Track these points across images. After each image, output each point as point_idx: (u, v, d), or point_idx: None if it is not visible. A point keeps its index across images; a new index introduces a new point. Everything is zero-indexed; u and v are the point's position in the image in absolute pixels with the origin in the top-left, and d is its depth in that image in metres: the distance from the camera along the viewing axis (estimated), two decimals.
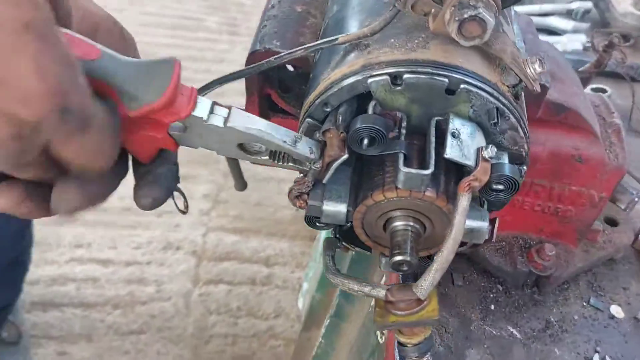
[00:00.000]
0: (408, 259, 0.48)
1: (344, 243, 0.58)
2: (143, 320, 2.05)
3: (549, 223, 0.78)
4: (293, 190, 0.52)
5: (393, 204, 0.50)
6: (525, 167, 0.53)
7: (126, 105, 0.46)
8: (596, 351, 0.73)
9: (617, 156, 0.72)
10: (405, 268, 0.49)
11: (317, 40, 0.71)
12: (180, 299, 2.13)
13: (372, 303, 0.94)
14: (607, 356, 0.72)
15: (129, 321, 2.05)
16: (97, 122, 0.40)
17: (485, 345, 0.72)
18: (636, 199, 0.87)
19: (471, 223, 0.50)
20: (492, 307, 0.76)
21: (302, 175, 0.54)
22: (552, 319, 0.76)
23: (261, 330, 2.05)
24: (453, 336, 0.71)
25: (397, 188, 0.49)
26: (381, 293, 0.48)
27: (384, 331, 0.84)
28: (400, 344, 0.51)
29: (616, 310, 0.78)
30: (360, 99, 0.53)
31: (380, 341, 0.84)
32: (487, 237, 0.51)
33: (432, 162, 0.48)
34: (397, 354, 0.63)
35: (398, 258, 0.49)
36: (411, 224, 0.51)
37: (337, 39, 0.54)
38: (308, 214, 0.54)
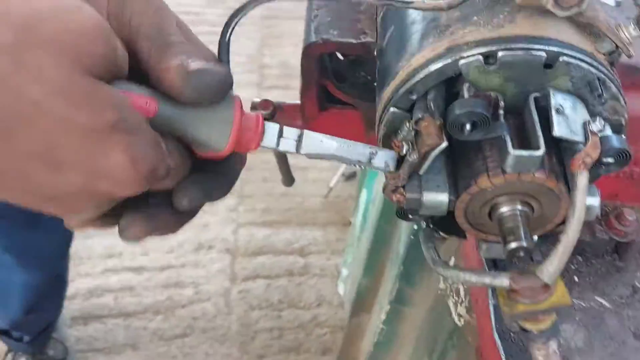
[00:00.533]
0: (524, 244, 0.47)
1: (440, 233, 0.56)
2: (186, 324, 2.06)
3: (625, 187, 0.76)
4: (389, 185, 0.50)
5: (499, 189, 0.48)
6: (624, 136, 0.51)
7: (192, 147, 0.45)
8: None
9: None
10: (521, 254, 0.47)
11: (374, 25, 0.69)
12: (219, 298, 2.13)
13: (441, 286, 0.93)
14: None
15: (172, 325, 2.05)
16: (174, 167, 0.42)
17: (577, 318, 0.70)
18: None
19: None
20: (576, 278, 0.74)
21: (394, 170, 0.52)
22: (638, 284, 0.75)
23: (305, 320, 2.05)
24: None
25: (504, 173, 0.47)
26: (505, 282, 0.46)
27: (462, 314, 0.83)
28: (523, 330, 0.49)
29: None
30: (448, 83, 0.51)
31: (459, 324, 0.83)
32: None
33: (541, 141, 0.45)
34: (497, 338, 0.62)
35: (514, 245, 0.47)
36: (519, 207, 0.49)
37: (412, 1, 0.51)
38: (406, 207, 0.52)
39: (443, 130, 0.48)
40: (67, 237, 1.62)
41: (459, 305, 0.84)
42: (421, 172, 0.50)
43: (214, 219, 2.37)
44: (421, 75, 0.50)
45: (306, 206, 2.42)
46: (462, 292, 0.83)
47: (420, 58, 0.51)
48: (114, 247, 2.30)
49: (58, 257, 1.61)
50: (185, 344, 2.00)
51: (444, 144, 0.48)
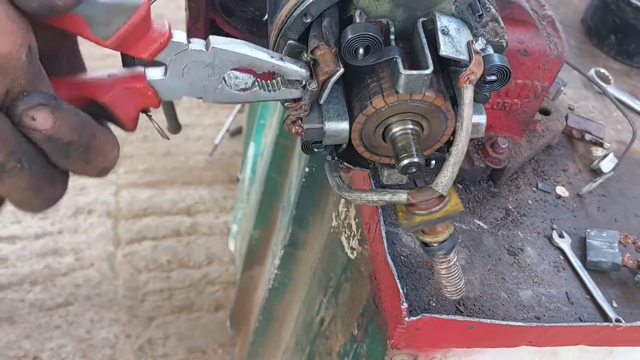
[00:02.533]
0: (416, 160, 0.49)
1: (344, 163, 0.57)
2: (68, 292, 1.95)
3: (498, 118, 0.82)
4: (290, 115, 0.50)
5: (392, 109, 0.50)
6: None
7: (100, 35, 0.42)
8: (553, 228, 0.80)
9: (557, 45, 0.76)
10: (413, 169, 0.49)
11: None
12: (103, 263, 2.03)
13: (333, 224, 0.95)
14: (562, 231, 0.79)
15: (53, 295, 1.93)
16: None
17: (460, 240, 0.76)
18: (562, 88, 0.94)
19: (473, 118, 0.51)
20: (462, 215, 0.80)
21: (293, 101, 0.51)
22: (510, 207, 0.82)
23: (196, 279, 2.03)
24: None
25: (397, 92, 0.48)
26: (403, 197, 0.48)
27: (354, 247, 0.86)
28: (425, 244, 0.52)
29: (561, 191, 0.86)
30: (341, 11, 0.51)
31: (352, 257, 0.86)
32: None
33: (429, 61, 0.48)
34: (389, 260, 0.65)
35: (406, 161, 0.49)
36: (410, 126, 0.51)
37: None
38: (307, 139, 0.52)
39: (339, 57, 0.49)
40: None
41: (351, 239, 0.87)
42: (321, 101, 0.51)
43: (92, 182, 2.24)
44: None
45: (191, 165, 2.36)
46: (354, 226, 0.86)
47: None
48: None
49: None
50: (69, 312, 1.90)
51: (341, 70, 0.49)
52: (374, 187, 0.70)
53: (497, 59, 0.50)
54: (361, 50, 0.47)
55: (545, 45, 0.75)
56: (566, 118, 0.93)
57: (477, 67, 0.48)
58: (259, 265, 1.64)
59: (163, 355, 1.85)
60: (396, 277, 0.64)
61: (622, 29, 1.08)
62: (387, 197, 0.49)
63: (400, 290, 0.63)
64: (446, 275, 0.54)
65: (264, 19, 0.65)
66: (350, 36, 0.47)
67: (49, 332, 1.85)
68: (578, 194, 0.85)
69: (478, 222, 0.79)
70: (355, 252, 0.86)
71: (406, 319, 0.62)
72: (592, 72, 1.05)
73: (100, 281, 1.99)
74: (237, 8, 0.73)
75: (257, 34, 0.72)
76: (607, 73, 1.05)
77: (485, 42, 0.49)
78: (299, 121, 0.51)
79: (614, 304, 0.74)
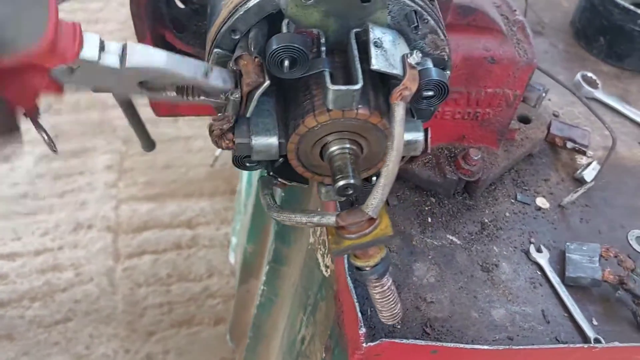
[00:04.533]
0: (352, 181, 0.46)
1: (279, 179, 0.55)
2: (67, 308, 1.94)
3: (471, 129, 0.79)
4: (214, 129, 0.48)
5: (327, 128, 0.48)
6: (449, 72, 0.52)
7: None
8: (531, 242, 0.76)
9: (527, 52, 0.73)
10: (350, 191, 0.47)
11: None
12: (102, 278, 2.02)
13: (310, 240, 0.93)
14: (541, 245, 0.76)
15: (52, 312, 1.93)
16: None
17: (430, 256, 0.72)
18: (543, 94, 0.90)
19: (407, 135, 0.48)
20: (429, 219, 0.77)
21: (220, 113, 0.49)
22: (486, 220, 0.78)
23: (196, 292, 2.01)
24: (398, 254, 0.71)
25: (328, 110, 0.46)
26: (331, 220, 0.46)
27: (328, 264, 0.83)
28: (358, 269, 0.49)
29: (542, 202, 0.82)
30: (271, 22, 0.49)
31: (326, 275, 0.83)
32: (423, 148, 0.50)
33: (359, 75, 0.45)
34: (349, 281, 0.62)
35: (342, 182, 0.46)
36: (348, 145, 0.48)
37: None
38: (236, 154, 0.50)
39: (265, 69, 0.46)
40: None
41: (325, 256, 0.84)
42: (248, 114, 0.48)
43: (92, 196, 2.23)
44: (241, 11, 0.48)
45: (191, 177, 2.35)
46: (327, 243, 0.83)
47: None
48: None
49: None
50: (67, 329, 1.89)
51: (266, 83, 0.46)
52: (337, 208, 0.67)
53: (433, 73, 0.47)
54: (287, 62, 0.45)
55: (513, 52, 0.71)
56: (549, 126, 0.89)
57: (411, 82, 0.45)
58: (255, 279, 1.61)
59: None
60: (355, 299, 0.61)
61: (610, 31, 1.04)
62: (316, 219, 0.46)
63: (359, 314, 0.60)
64: (380, 300, 0.51)
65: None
66: (274, 47, 0.45)
67: (47, 348, 1.84)
68: (560, 205, 0.82)
69: (451, 237, 0.75)
70: (329, 270, 0.83)
71: (364, 344, 0.59)
72: (578, 77, 1.01)
73: (99, 296, 1.98)
74: (191, 22, 0.71)
75: None
76: (594, 77, 1.01)
77: (421, 55, 0.46)
78: (229, 135, 0.48)
79: (594, 322, 0.70)
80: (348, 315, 0.66)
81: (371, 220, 0.45)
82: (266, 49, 0.45)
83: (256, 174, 1.64)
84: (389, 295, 0.51)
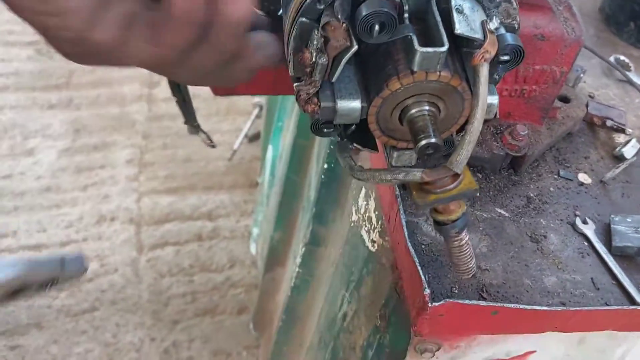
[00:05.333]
0: (433, 140, 0.49)
1: (354, 144, 0.57)
2: (94, 297, 1.97)
3: (517, 106, 0.81)
4: (302, 93, 0.51)
5: (407, 91, 0.50)
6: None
7: None
8: (576, 215, 0.79)
9: (574, 29, 0.75)
10: (431, 151, 0.49)
11: None
12: (127, 268, 2.06)
13: (353, 218, 0.95)
14: (586, 217, 0.78)
15: (79, 301, 1.96)
16: None
17: (480, 228, 0.75)
18: (581, 75, 0.93)
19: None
20: (478, 193, 0.79)
21: (306, 76, 0.52)
22: (532, 194, 0.81)
23: (218, 282, 2.04)
24: None
25: (412, 73, 0.48)
26: (417, 175, 0.48)
27: (375, 239, 0.86)
28: (438, 223, 0.52)
29: (583, 178, 0.84)
30: None
31: (373, 250, 0.86)
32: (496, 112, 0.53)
33: (444, 38, 0.48)
34: (411, 248, 0.65)
35: (424, 142, 0.49)
36: (427, 107, 0.51)
37: None
38: (319, 118, 0.52)
39: (352, 34, 0.49)
40: None
41: (371, 232, 0.87)
42: (333, 79, 0.51)
43: (115, 189, 2.27)
44: None
45: (211, 170, 2.38)
46: (374, 219, 0.86)
47: None
48: (6, 225, 2.14)
49: None
50: (94, 317, 1.92)
51: (355, 47, 0.49)
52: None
53: (510, 39, 0.49)
54: (377, 27, 0.47)
55: (562, 30, 0.74)
56: (587, 105, 0.92)
57: (491, 46, 0.48)
58: (280, 267, 1.64)
59: (188, 358, 1.86)
60: (417, 265, 0.64)
61: None
62: (401, 175, 0.49)
63: (422, 277, 0.63)
64: (457, 254, 0.54)
65: (279, 13, 0.65)
66: (365, 12, 0.47)
67: (75, 337, 1.87)
68: (601, 181, 0.84)
69: (499, 210, 0.78)
70: (376, 245, 0.86)
71: (429, 304, 0.62)
72: (612, 59, 1.04)
73: (125, 286, 2.01)
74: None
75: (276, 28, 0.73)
76: (627, 60, 1.04)
77: (498, 22, 0.49)
78: (315, 99, 0.51)
79: None
80: (408, 281, 0.69)
81: (455, 175, 0.48)
82: (356, 16, 0.48)
83: (279, 167, 1.67)
84: (466, 249, 0.54)
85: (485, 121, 0.55)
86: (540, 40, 0.74)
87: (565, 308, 0.66)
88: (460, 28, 0.48)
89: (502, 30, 0.52)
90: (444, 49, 0.47)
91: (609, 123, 0.89)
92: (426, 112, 0.51)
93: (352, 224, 0.96)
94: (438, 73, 0.49)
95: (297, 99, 0.52)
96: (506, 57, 0.50)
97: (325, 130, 0.55)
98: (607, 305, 0.70)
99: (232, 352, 1.88)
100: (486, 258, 0.72)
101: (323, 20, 0.50)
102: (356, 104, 0.51)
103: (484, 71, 0.47)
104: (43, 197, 2.20)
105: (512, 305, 0.63)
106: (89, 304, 1.95)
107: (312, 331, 1.19)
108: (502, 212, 0.78)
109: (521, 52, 0.50)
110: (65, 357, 1.82)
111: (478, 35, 0.48)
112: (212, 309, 1.98)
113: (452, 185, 0.48)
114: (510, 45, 0.50)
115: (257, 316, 1.82)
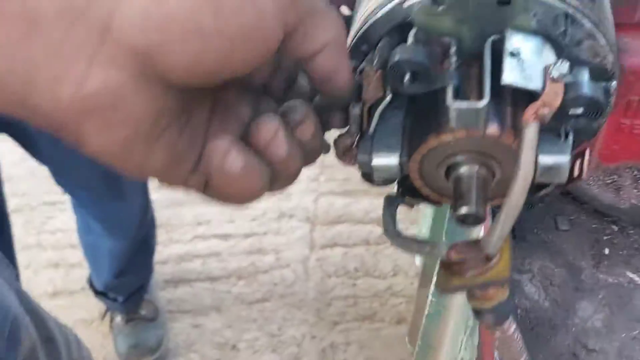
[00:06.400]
0: (474, 210, 0.41)
1: (408, 198, 0.51)
2: (266, 289, 2.12)
3: None
4: (339, 145, 0.47)
5: (452, 147, 0.43)
6: (614, 83, 0.43)
7: None
8: None
9: None
10: (471, 221, 0.42)
11: None
12: (298, 264, 2.16)
13: None
14: None
15: (254, 290, 2.12)
16: None
17: (600, 296, 0.62)
18: None
19: (547, 159, 0.41)
20: (607, 251, 0.66)
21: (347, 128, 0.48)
22: None
23: (380, 289, 2.03)
24: (560, 288, 0.63)
25: (452, 130, 0.42)
26: (442, 253, 0.42)
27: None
28: (474, 311, 0.44)
29: None
30: (402, 32, 0.46)
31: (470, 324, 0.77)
32: (570, 175, 0.43)
33: (487, 91, 0.40)
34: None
35: (462, 211, 0.42)
36: (476, 168, 0.43)
37: None
38: (362, 170, 0.48)
39: (385, 82, 0.44)
40: (144, 207, 1.73)
41: None
42: (370, 130, 0.46)
43: (296, 188, 2.39)
44: (370, 22, 0.46)
45: None
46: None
47: (374, 3, 0.47)
48: (203, 215, 2.41)
49: (138, 225, 1.72)
50: (265, 308, 2.07)
51: (387, 98, 0.44)
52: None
53: (585, 88, 0.39)
54: (407, 76, 0.42)
55: None
56: None
57: (551, 98, 0.39)
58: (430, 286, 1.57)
59: None
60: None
61: None
62: (427, 249, 0.42)
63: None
64: (501, 348, 0.45)
65: None
66: (394, 59, 0.42)
67: (247, 324, 2.03)
68: None
69: (631, 275, 0.64)
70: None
71: None
72: None
73: (294, 281, 2.12)
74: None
75: None
76: None
77: (568, 65, 0.39)
78: (354, 150, 0.47)
79: None
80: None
81: (489, 257, 0.40)
82: (388, 61, 0.43)
83: None
84: (510, 343, 0.45)
85: (574, 179, 0.45)
86: None
87: None
88: (508, 77, 0.39)
89: (584, 76, 0.41)
90: (482, 104, 0.39)
91: None
92: (474, 174, 0.43)
93: None
94: (482, 129, 0.41)
95: (335, 149, 0.49)
96: (578, 111, 0.40)
97: (375, 180, 0.51)
98: None
99: None
100: (599, 335, 0.59)
101: (361, 65, 0.46)
102: (392, 160, 0.46)
103: (529, 132, 0.38)
104: None
105: None
106: (261, 295, 2.10)
107: None
108: (635, 277, 0.63)
109: (597, 106, 0.39)
110: (237, 341, 1.99)
111: (534, 84, 0.39)
112: (371, 315, 1.98)
113: (481, 270, 0.40)
114: (584, 97, 0.39)
115: (412, 330, 1.77)
